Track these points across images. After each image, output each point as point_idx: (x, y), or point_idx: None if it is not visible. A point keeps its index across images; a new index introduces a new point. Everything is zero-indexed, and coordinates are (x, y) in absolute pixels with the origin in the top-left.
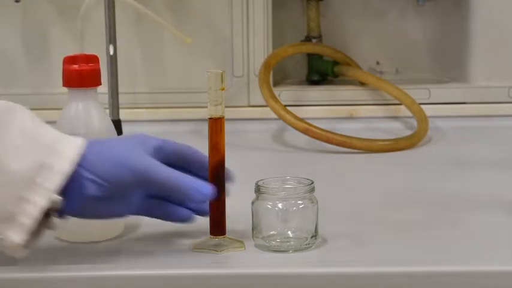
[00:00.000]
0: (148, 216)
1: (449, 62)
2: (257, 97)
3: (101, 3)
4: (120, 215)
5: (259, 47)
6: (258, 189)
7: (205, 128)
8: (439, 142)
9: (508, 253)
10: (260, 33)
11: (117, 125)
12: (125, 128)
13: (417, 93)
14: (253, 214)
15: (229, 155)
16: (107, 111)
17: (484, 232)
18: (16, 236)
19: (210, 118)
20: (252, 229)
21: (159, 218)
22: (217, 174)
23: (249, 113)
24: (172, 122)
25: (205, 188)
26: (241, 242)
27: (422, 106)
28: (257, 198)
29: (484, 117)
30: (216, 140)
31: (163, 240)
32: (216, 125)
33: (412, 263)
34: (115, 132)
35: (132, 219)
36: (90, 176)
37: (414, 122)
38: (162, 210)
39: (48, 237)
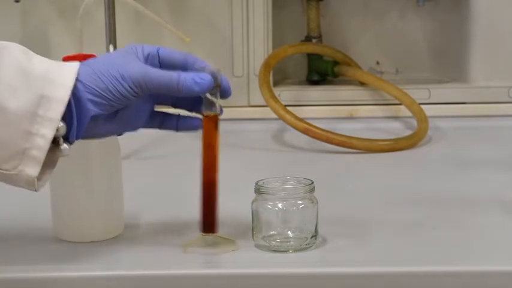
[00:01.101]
0: (158, 128)
1: (449, 62)
2: (257, 97)
3: (101, 3)
4: (130, 129)
5: (259, 47)
6: (258, 189)
7: None
8: (439, 142)
9: (508, 253)
10: (260, 33)
11: None
12: None
13: (417, 93)
14: (253, 214)
15: (230, 155)
16: None
17: (484, 232)
18: (31, 170)
19: (205, 116)
20: (252, 229)
21: (170, 129)
22: (209, 175)
23: (249, 113)
24: None
25: (203, 76)
26: (233, 241)
27: (422, 106)
28: (257, 198)
29: (484, 117)
30: (209, 139)
31: (163, 240)
32: (210, 124)
33: (412, 263)
34: None
35: (132, 219)
36: (89, 96)
37: (414, 122)
38: (172, 120)
39: (48, 237)
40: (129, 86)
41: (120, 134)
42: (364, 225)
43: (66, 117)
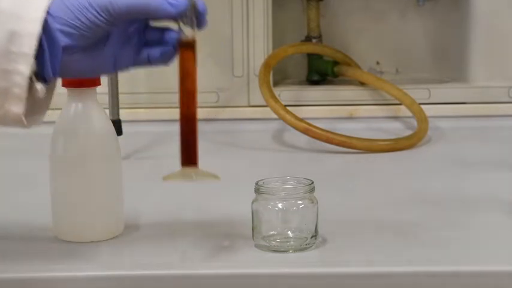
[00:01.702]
0: (149, 64)
1: (449, 62)
2: (257, 97)
3: None
4: (119, 67)
5: (259, 47)
6: (258, 189)
7: (205, 128)
8: (439, 142)
9: (508, 253)
10: (260, 33)
11: (117, 125)
12: (125, 128)
13: (417, 93)
14: (253, 214)
15: (230, 155)
16: (107, 111)
17: (484, 232)
18: (16, 108)
19: (182, 42)
20: (252, 229)
21: (145, 64)
22: (189, 106)
23: (249, 113)
24: (172, 122)
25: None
26: (215, 175)
27: (422, 106)
28: (257, 198)
29: (484, 117)
30: (187, 67)
31: (163, 240)
32: (187, 50)
33: (412, 263)
34: (115, 133)
35: (132, 219)
36: (57, 27)
37: (414, 122)
38: (145, 52)
39: (48, 237)
40: (96, 12)
41: (109, 74)
42: (364, 225)
43: (38, 52)
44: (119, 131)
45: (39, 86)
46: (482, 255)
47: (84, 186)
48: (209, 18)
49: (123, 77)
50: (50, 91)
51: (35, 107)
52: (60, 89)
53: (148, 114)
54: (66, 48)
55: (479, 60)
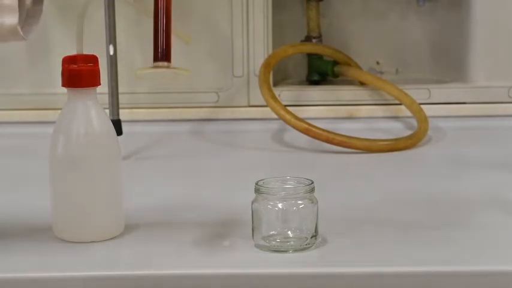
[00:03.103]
0: None
1: (449, 62)
2: (257, 97)
3: (101, 3)
4: None
5: (259, 47)
6: (258, 189)
7: (205, 128)
8: (439, 142)
9: (508, 253)
10: (260, 33)
11: (117, 125)
12: (125, 128)
13: (417, 93)
14: (253, 214)
15: (230, 155)
16: (107, 111)
17: (484, 232)
18: (9, 19)
19: None
20: (252, 229)
21: None
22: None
23: (249, 113)
24: (172, 122)
25: None
26: (188, 69)
27: (422, 106)
28: (257, 198)
29: (484, 117)
30: None
31: (163, 240)
32: None
33: (412, 263)
34: (114, 132)
35: (132, 219)
36: None
37: (414, 122)
38: None
39: (48, 237)
40: None
41: None
42: (364, 225)
43: None
44: (119, 131)
45: None
46: (482, 255)
47: (84, 186)
48: (209, 18)
49: (123, 77)
50: None
51: (27, 17)
52: (60, 89)
53: (148, 114)
54: None
55: (479, 60)
